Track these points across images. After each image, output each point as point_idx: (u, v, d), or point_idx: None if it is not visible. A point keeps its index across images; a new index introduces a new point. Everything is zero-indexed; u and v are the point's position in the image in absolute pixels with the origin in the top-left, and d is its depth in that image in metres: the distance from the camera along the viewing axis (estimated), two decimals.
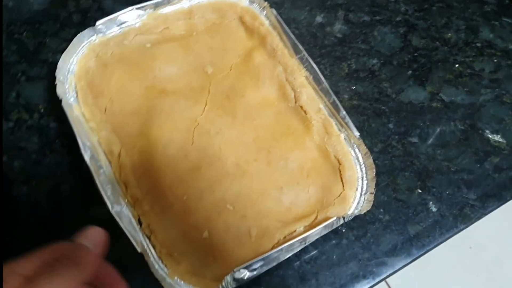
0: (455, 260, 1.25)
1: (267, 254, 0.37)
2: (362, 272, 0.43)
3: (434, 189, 0.46)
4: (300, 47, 0.46)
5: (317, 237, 0.40)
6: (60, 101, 0.43)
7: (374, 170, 0.42)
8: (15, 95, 0.48)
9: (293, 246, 0.38)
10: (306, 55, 0.46)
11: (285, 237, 0.40)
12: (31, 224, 0.43)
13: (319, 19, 0.53)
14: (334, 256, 0.43)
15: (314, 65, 0.45)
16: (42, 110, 0.48)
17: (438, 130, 0.49)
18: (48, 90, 0.48)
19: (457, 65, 0.52)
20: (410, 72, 0.51)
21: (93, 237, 0.34)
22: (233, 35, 0.48)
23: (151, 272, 0.37)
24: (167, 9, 0.48)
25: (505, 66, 0.52)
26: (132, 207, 0.40)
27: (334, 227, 0.40)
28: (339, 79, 0.50)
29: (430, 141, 0.48)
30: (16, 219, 0.43)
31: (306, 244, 0.39)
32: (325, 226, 0.39)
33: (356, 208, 0.41)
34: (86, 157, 0.40)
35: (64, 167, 0.45)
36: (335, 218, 0.39)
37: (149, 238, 0.39)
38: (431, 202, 0.46)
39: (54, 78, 0.45)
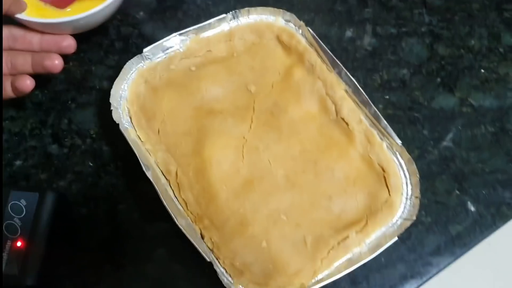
0: (473, 256, 1.27)
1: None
2: (410, 273, 0.45)
3: (471, 190, 0.49)
4: (338, 62, 0.49)
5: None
6: (117, 125, 0.45)
7: (418, 176, 0.45)
8: (67, 121, 0.51)
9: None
10: (344, 70, 0.48)
11: (339, 243, 0.42)
12: (92, 243, 0.45)
13: (348, 33, 0.56)
14: (382, 259, 0.45)
15: (353, 79, 0.48)
16: (94, 135, 0.50)
17: (470, 133, 0.51)
18: (98, 115, 0.51)
19: (482, 71, 0.55)
20: (439, 80, 0.54)
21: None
22: (272, 54, 0.51)
23: (220, 280, 0.39)
24: (208, 33, 0.51)
25: None
26: (194, 222, 0.42)
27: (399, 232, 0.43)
28: (372, 89, 0.53)
29: (463, 144, 0.51)
30: (79, 240, 0.45)
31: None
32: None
33: (403, 212, 0.44)
34: (150, 177, 0.42)
35: (119, 188, 0.48)
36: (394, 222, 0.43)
37: (212, 251, 0.41)
38: (469, 203, 0.48)
39: (103, 103, 0.48)
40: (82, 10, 0.48)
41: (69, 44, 0.48)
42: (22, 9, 0.46)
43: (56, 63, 0.46)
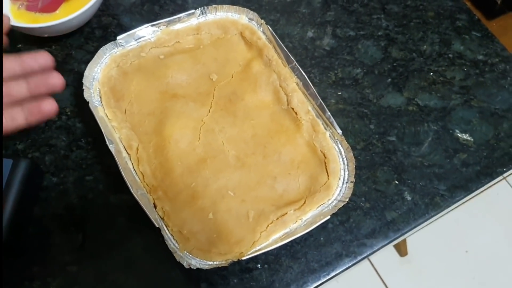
0: (452, 264, 1.31)
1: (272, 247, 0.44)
2: (345, 252, 0.50)
3: (409, 181, 0.53)
4: (292, 58, 0.54)
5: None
6: (87, 103, 0.50)
7: (354, 162, 0.49)
8: None
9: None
10: (297, 65, 0.53)
11: (278, 218, 0.47)
12: (60, 208, 0.50)
13: (310, 34, 0.61)
14: (321, 238, 0.50)
15: (304, 73, 0.53)
16: (69, 113, 0.55)
17: (413, 130, 0.56)
18: (74, 95, 0.56)
19: (431, 74, 0.59)
20: (389, 80, 0.59)
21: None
22: (235, 48, 0.56)
23: (166, 246, 0.44)
24: (178, 26, 0.56)
25: (473, 74, 0.59)
26: (149, 193, 0.47)
27: (330, 213, 0.47)
28: (327, 86, 0.58)
29: (406, 140, 0.55)
30: (48, 205, 0.50)
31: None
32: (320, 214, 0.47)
33: (338, 194, 0.48)
34: (112, 150, 0.47)
35: (88, 161, 0.52)
36: (329, 202, 0.47)
37: (162, 219, 0.46)
38: (406, 192, 0.53)
39: (80, 85, 0.53)
40: (70, 10, 0.55)
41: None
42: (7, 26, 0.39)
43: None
